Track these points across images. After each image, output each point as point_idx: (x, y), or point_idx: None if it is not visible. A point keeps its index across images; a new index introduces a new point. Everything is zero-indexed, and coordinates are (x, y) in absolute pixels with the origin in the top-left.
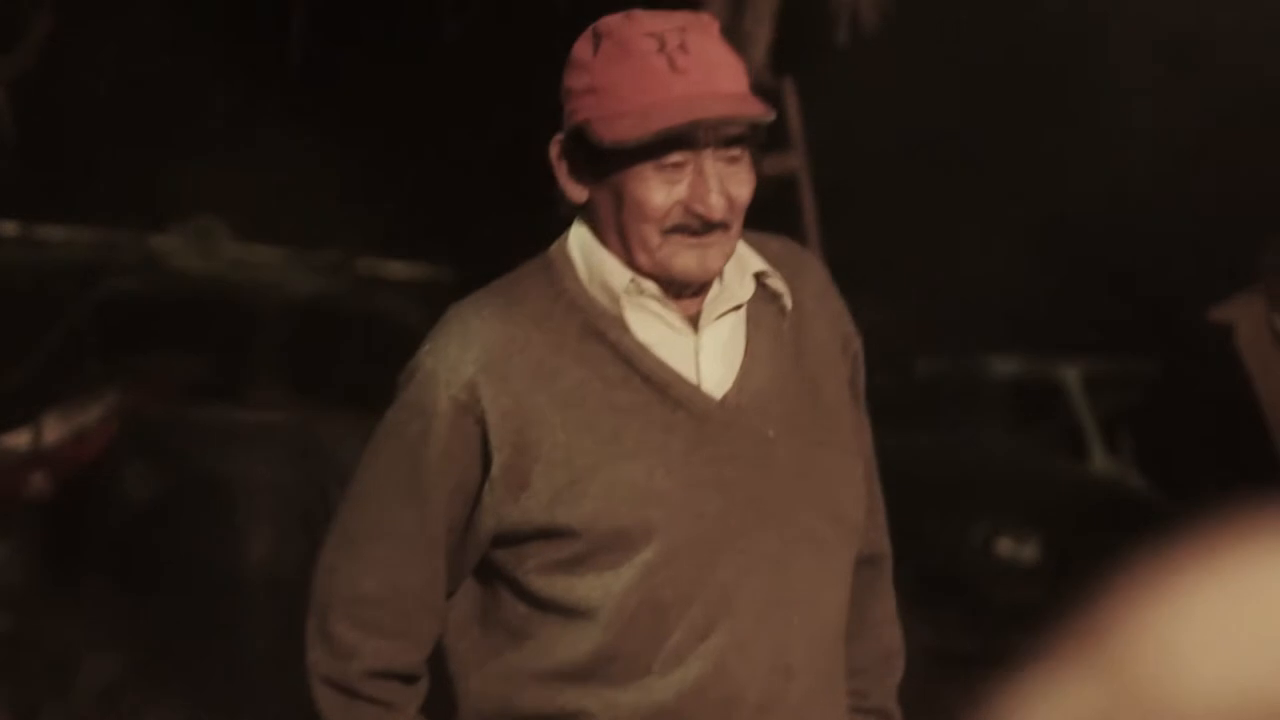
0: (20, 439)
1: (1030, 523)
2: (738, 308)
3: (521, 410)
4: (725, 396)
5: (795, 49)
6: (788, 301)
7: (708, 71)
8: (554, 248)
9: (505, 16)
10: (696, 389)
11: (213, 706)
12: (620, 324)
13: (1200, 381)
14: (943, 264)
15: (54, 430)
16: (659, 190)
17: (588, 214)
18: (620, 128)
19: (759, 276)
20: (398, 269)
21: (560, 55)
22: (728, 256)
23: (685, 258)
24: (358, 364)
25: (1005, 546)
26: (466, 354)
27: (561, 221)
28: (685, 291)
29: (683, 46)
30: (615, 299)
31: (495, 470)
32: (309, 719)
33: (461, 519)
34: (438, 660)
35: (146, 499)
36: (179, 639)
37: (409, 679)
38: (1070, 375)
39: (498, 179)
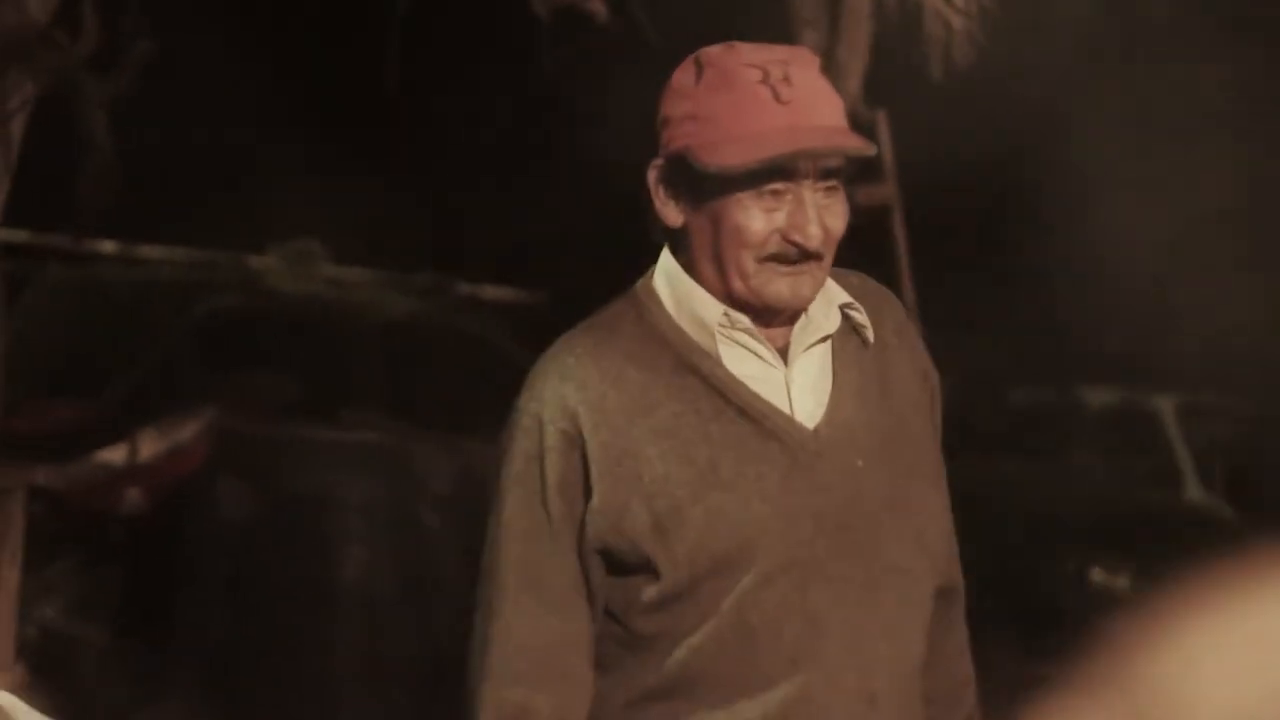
0: (117, 454)
1: (1124, 553)
2: (825, 339)
3: (619, 443)
4: (816, 428)
5: (890, 81)
6: (870, 335)
7: (810, 104)
8: (640, 284)
9: (600, 49)
10: (790, 420)
11: None
12: (711, 357)
13: None
14: (1037, 294)
15: (150, 446)
16: (758, 218)
17: (678, 242)
18: (724, 154)
19: (843, 309)
20: (492, 292)
21: (654, 89)
22: (819, 286)
23: (779, 285)
24: (451, 386)
25: (1099, 576)
26: (565, 388)
27: (654, 247)
28: (775, 321)
29: (786, 79)
30: (709, 332)
31: (596, 501)
32: None
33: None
34: None
35: (240, 517)
36: (269, 656)
37: None
38: (1164, 407)
39: (593, 206)
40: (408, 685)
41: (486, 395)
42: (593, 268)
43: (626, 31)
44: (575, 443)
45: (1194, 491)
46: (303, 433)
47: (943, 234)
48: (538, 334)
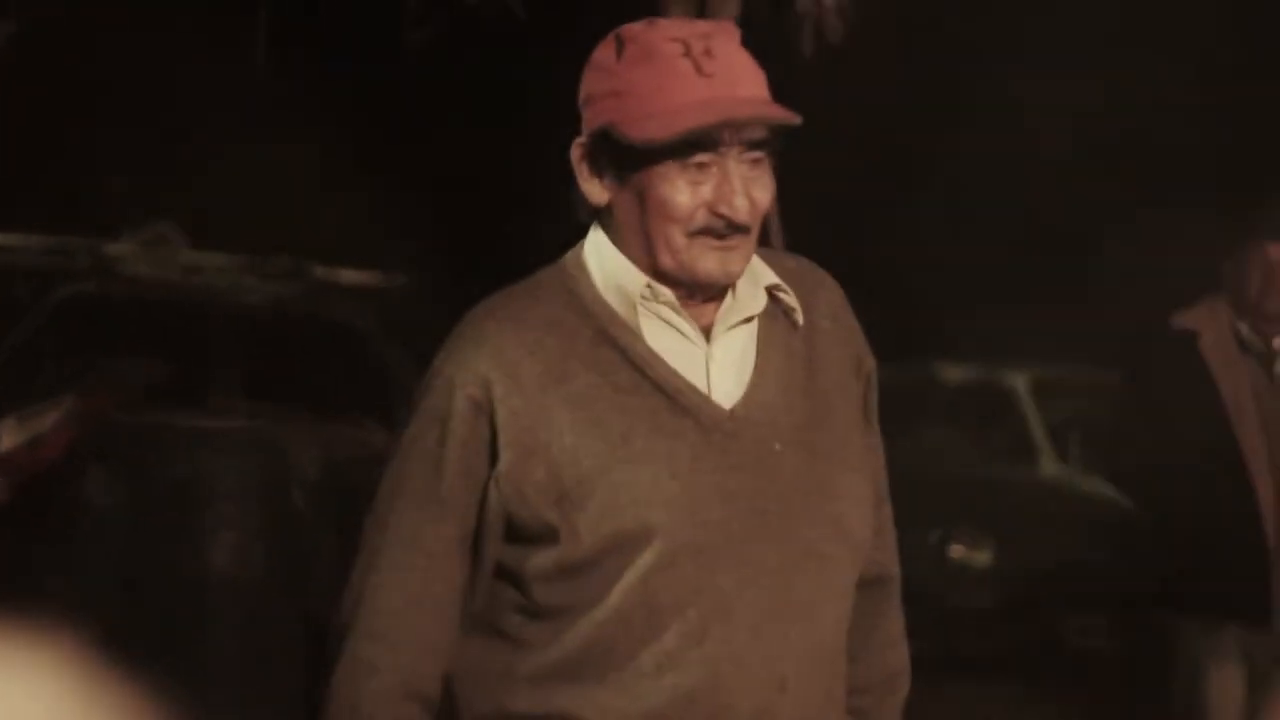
0: None
1: (983, 528)
2: (749, 320)
3: (531, 411)
4: (734, 408)
5: (758, 58)
6: (799, 317)
7: (734, 76)
8: (569, 254)
9: (467, 26)
10: (706, 398)
11: (175, 713)
12: (633, 331)
13: (1164, 388)
14: (895, 270)
15: (10, 437)
16: (684, 191)
17: (606, 219)
18: (648, 127)
19: (771, 290)
20: (351, 275)
21: (520, 66)
22: (747, 260)
23: (708, 260)
24: (313, 371)
25: (959, 552)
26: (479, 353)
27: (519, 234)
28: (700, 296)
29: (708, 52)
30: (631, 305)
31: (502, 467)
32: None
33: (476, 518)
34: None
35: (106, 505)
36: (139, 646)
37: (427, 701)
38: (1019, 381)
39: (453, 187)
40: (282, 670)
41: (348, 379)
42: (456, 249)
43: (494, 9)
44: (483, 408)
45: (1050, 466)
46: (167, 419)
47: (804, 211)
48: (399, 318)
